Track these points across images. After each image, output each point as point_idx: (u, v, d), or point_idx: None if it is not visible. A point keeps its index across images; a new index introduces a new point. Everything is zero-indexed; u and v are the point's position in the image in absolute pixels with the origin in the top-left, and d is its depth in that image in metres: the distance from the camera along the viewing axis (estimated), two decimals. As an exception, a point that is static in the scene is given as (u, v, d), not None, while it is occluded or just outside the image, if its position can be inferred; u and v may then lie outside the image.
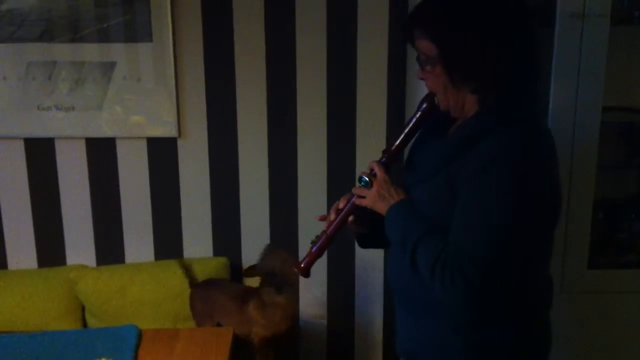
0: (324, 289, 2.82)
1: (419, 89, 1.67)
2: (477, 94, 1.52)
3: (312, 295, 2.82)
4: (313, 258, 1.76)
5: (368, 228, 1.78)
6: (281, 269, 2.30)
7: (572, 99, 2.20)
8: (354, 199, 1.70)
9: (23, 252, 2.76)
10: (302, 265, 1.76)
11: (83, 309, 2.69)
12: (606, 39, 2.16)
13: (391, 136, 1.71)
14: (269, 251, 2.37)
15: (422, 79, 1.59)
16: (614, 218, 2.56)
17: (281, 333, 2.39)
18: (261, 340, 2.36)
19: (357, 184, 1.69)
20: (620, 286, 2.37)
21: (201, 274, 2.60)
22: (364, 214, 1.72)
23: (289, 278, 2.32)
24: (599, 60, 2.17)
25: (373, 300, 2.84)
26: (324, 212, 1.84)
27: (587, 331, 2.36)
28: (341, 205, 1.74)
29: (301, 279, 1.85)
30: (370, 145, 2.65)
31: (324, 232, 1.76)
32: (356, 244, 1.92)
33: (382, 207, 1.63)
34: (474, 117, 1.54)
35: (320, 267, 2.74)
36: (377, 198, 1.63)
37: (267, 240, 2.74)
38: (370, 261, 2.78)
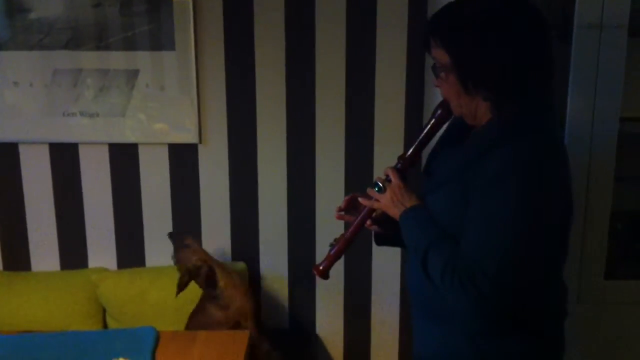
0: (341, 293, 2.84)
1: (437, 96, 1.69)
2: (490, 102, 1.53)
3: (329, 300, 2.84)
4: (332, 261, 1.79)
5: (385, 228, 1.81)
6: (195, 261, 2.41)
7: (590, 110, 2.21)
8: (370, 201, 1.72)
9: (46, 255, 2.81)
10: (321, 268, 1.79)
11: (104, 311, 2.73)
12: (624, 50, 2.17)
13: (409, 143, 1.73)
14: (179, 245, 2.48)
15: (437, 86, 1.61)
16: (633, 229, 2.55)
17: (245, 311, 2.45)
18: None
19: (373, 189, 1.71)
20: (638, 297, 2.36)
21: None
22: (381, 216, 1.75)
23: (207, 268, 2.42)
24: (617, 71, 2.18)
25: (390, 305, 2.84)
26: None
27: (603, 342, 2.36)
28: (361, 200, 1.76)
29: (319, 280, 1.87)
30: (388, 152, 2.66)
31: (342, 235, 1.79)
32: (373, 246, 1.94)
33: (395, 213, 1.65)
34: (488, 126, 1.55)
35: (337, 272, 2.76)
36: (390, 203, 1.66)
37: (284, 246, 2.77)
38: (387, 266, 2.79)
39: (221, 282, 2.43)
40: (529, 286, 1.50)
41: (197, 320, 2.48)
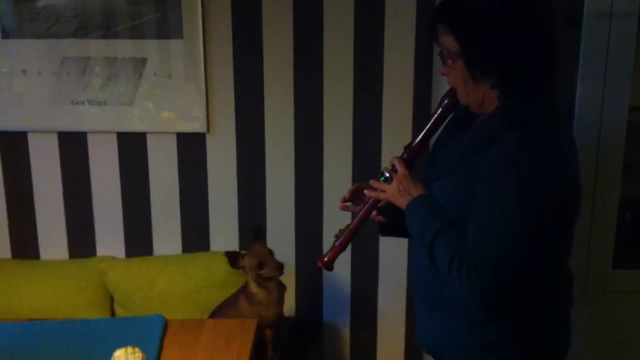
0: (348, 283, 2.84)
1: (444, 86, 1.69)
2: (496, 90, 1.53)
3: (335, 289, 2.85)
4: (336, 252, 1.79)
5: (390, 219, 1.81)
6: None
7: (599, 99, 2.20)
8: (376, 192, 1.72)
9: (55, 243, 2.83)
10: (326, 260, 1.79)
11: (112, 299, 2.75)
12: (633, 39, 2.15)
13: (416, 132, 1.74)
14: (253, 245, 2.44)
15: (444, 74, 1.60)
16: (641, 218, 2.54)
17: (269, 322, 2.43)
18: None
19: (379, 179, 1.71)
20: (645, 287, 2.36)
21: (225, 267, 2.65)
22: (386, 206, 1.75)
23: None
24: (626, 59, 2.17)
25: (396, 295, 2.85)
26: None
27: (610, 332, 2.35)
28: (366, 192, 1.76)
29: (325, 272, 1.88)
30: (396, 141, 2.64)
31: (347, 226, 1.79)
32: (380, 236, 1.95)
33: (402, 202, 1.65)
34: (493, 115, 1.55)
35: (344, 261, 2.77)
36: (397, 193, 1.65)
37: (292, 235, 2.77)
38: (394, 256, 2.80)
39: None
40: (531, 276, 1.50)
41: (225, 312, 2.48)
